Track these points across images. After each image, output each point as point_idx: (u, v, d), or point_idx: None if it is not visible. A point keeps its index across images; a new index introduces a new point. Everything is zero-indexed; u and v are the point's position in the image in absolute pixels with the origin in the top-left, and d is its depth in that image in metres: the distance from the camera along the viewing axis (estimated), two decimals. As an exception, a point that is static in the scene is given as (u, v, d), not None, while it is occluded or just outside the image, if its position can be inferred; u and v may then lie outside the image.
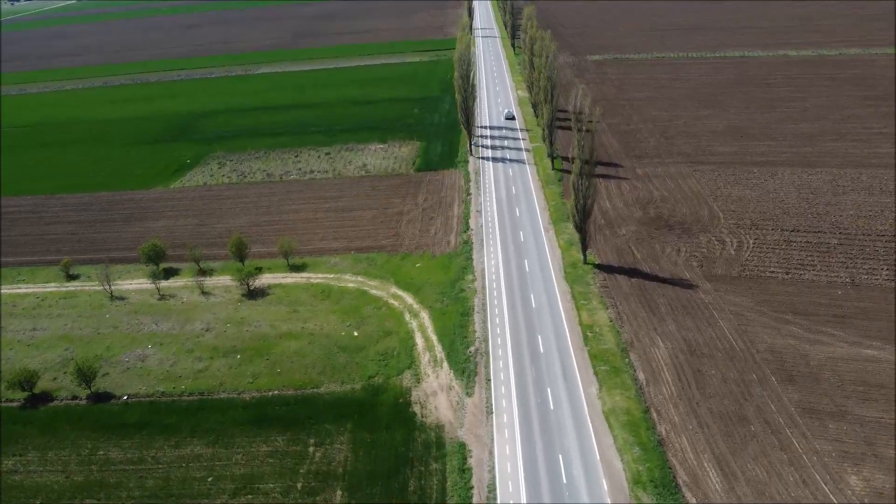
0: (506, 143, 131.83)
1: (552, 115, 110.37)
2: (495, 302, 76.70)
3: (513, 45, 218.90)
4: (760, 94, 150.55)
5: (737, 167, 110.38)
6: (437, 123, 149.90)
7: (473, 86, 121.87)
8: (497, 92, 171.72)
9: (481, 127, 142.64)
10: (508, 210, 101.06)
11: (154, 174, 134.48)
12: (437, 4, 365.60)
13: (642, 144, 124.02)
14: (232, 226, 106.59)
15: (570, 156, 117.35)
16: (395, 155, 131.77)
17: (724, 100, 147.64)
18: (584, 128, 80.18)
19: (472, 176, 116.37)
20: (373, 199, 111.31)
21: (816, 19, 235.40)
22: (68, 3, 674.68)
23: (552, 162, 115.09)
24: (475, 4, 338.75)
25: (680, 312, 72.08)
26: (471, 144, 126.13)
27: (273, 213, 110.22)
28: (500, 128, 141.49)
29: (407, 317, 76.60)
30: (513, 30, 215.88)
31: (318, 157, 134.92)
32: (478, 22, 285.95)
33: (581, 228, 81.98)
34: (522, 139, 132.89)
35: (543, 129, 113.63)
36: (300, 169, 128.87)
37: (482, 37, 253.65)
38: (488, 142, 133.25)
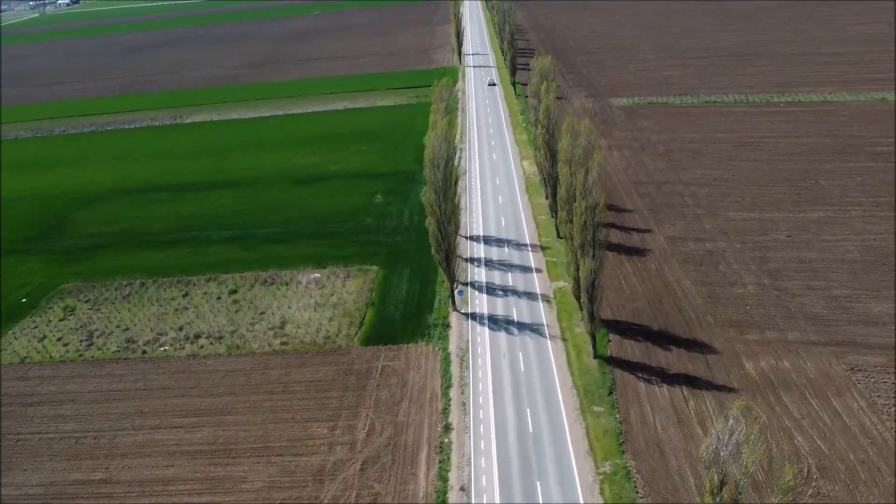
0: (510, 278, 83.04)
1: (594, 274, 61.56)
2: None
3: (513, 84, 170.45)
4: (882, 173, 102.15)
5: (926, 361, 61.98)
6: (405, 227, 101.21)
7: (456, 204, 73.40)
8: (495, 163, 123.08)
9: (470, 238, 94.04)
10: (525, 491, 52.30)
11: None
12: (424, 19, 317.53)
13: (734, 290, 75.43)
14: (13, 494, 58.18)
15: (615, 317, 68.47)
16: (334, 298, 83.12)
17: (834, 187, 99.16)
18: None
19: (456, 367, 67.61)
20: (278, 422, 62.81)
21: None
22: (32, 16, 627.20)
23: (593, 343, 66.27)
24: (466, 22, 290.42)
25: None
26: (453, 292, 77.46)
27: (98, 455, 61.52)
28: (499, 241, 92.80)
29: None
30: (512, 63, 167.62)
31: (217, 298, 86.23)
32: (469, 45, 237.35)
33: None
34: (536, 269, 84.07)
35: (580, 305, 64.94)
36: (181, 330, 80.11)
37: (474, 66, 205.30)
38: (482, 273, 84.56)
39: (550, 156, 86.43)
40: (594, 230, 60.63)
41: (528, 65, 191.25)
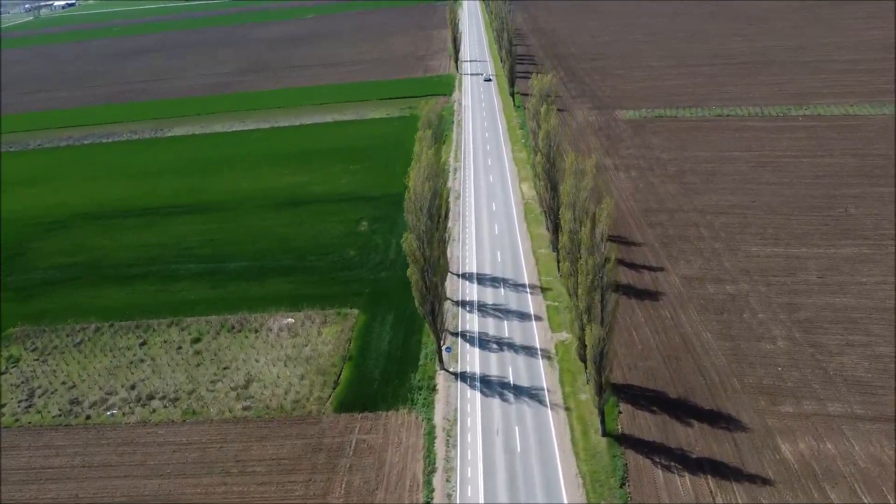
0: (506, 327, 73.49)
1: (603, 343, 52.08)
2: None
3: (511, 95, 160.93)
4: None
5: None
6: (391, 261, 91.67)
7: (443, 252, 63.95)
8: (491, 186, 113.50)
9: (462, 277, 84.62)
10: None
11: None
12: (421, 23, 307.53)
13: (762, 345, 65.73)
14: None
15: (622, 378, 58.69)
16: (307, 349, 73.72)
17: (866, 217, 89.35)
18: None
19: (441, 445, 58.07)
20: (233, 516, 53.56)
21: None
22: (26, 20, 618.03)
23: (601, 419, 56.60)
24: (464, 26, 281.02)
25: None
26: (440, 348, 67.95)
27: (19, 558, 52.43)
28: (494, 280, 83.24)
29: None
30: (511, 73, 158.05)
31: (178, 349, 76.86)
32: (466, 51, 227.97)
33: None
34: (535, 316, 74.41)
35: (586, 368, 55.70)
36: (133, 389, 70.81)
37: (471, 74, 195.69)
38: (474, 321, 74.97)
39: (551, 187, 76.98)
40: (603, 292, 51.14)
41: (528, 72, 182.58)
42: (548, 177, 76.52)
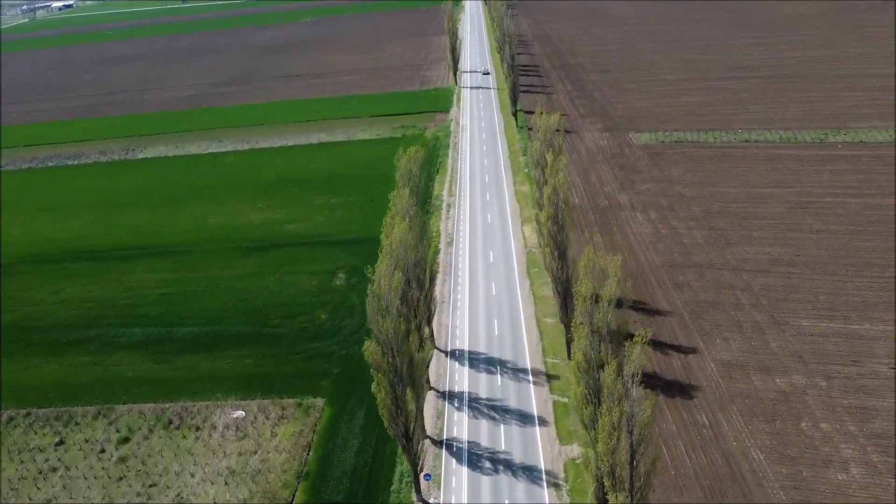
0: (502, 436, 58.78)
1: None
2: None
3: (514, 114, 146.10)
4: None
5: None
6: (368, 329, 77.12)
7: (421, 359, 49.45)
8: (489, 228, 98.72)
9: (451, 356, 70.01)
10: None
11: None
12: (420, 28, 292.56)
13: (831, 474, 50.97)
14: None
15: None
16: (256, 459, 59.27)
17: (936, 278, 74.65)
18: None
19: None
20: None
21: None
22: (21, 22, 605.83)
23: None
24: (465, 30, 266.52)
25: None
26: (418, 476, 53.26)
27: None
28: (489, 362, 68.51)
29: None
30: (513, 91, 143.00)
31: (100, 452, 62.56)
32: (467, 60, 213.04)
33: None
34: (539, 420, 59.64)
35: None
36: (34, 514, 56.78)
37: (471, 87, 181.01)
38: (465, 426, 60.21)
39: (559, 254, 62.32)
40: (633, 452, 36.61)
41: (533, 85, 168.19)
42: (555, 243, 61.91)
